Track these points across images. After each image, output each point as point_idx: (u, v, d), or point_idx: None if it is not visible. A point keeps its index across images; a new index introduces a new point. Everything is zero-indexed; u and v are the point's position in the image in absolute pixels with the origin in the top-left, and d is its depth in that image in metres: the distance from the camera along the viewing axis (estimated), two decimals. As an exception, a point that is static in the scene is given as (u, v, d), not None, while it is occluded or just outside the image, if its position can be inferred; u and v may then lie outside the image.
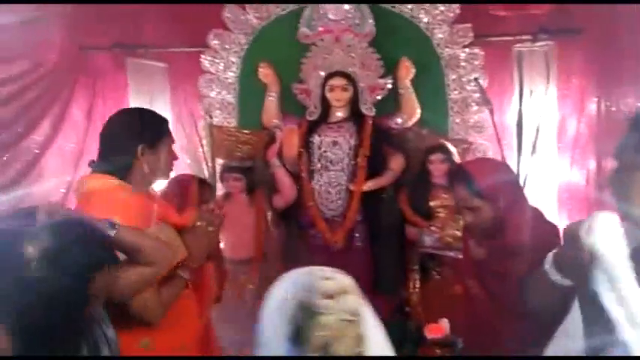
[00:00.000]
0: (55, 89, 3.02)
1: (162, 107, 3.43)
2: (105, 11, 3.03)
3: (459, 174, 1.60)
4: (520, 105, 2.78)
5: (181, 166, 3.36)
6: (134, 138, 1.52)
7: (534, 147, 2.74)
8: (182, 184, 2.18)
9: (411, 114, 3.00)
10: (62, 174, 2.78)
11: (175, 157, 1.65)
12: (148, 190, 1.63)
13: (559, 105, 3.12)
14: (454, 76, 3.10)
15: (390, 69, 3.07)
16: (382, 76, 3.08)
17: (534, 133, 2.78)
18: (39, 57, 2.85)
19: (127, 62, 3.34)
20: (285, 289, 0.96)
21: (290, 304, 0.93)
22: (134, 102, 3.30)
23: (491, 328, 1.67)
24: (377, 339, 0.97)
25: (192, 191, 2.17)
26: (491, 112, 2.73)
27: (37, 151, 2.88)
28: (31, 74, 2.83)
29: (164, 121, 1.62)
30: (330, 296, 0.93)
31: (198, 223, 1.65)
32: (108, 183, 1.48)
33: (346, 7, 3.05)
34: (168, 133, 1.61)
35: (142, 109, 1.76)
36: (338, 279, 0.97)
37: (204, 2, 3.14)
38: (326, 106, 2.97)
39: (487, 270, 1.86)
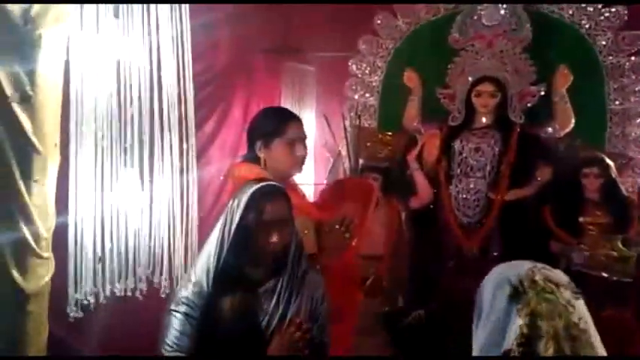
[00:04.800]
0: (222, 89, 3.38)
1: (309, 108, 3.67)
2: (264, 16, 3.32)
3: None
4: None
5: (322, 164, 3.59)
6: (254, 135, 1.75)
7: None
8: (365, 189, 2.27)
9: (564, 124, 2.86)
10: (223, 163, 3.10)
11: (298, 155, 1.72)
12: (289, 182, 1.79)
13: None
14: (616, 86, 2.89)
15: (544, 76, 2.95)
16: (534, 83, 2.97)
17: None
18: (211, 59, 3.22)
19: (280, 65, 3.63)
20: (504, 269, 1.06)
21: (507, 278, 1.01)
22: (284, 102, 3.57)
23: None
24: (595, 343, 0.98)
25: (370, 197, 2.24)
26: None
27: (204, 143, 3.27)
28: (204, 75, 3.21)
29: (280, 122, 1.73)
30: (555, 284, 0.99)
31: (337, 227, 1.76)
32: (252, 170, 1.66)
33: (502, 12, 3.01)
34: (283, 132, 1.70)
35: (267, 109, 1.93)
36: (555, 272, 1.03)
37: (362, 2, 3.27)
38: (470, 112, 2.94)
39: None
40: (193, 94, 3.07)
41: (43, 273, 1.71)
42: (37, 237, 1.67)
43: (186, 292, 1.33)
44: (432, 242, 2.91)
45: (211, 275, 1.32)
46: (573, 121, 2.85)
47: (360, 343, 2.33)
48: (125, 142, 1.94)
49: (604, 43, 2.93)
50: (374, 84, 3.40)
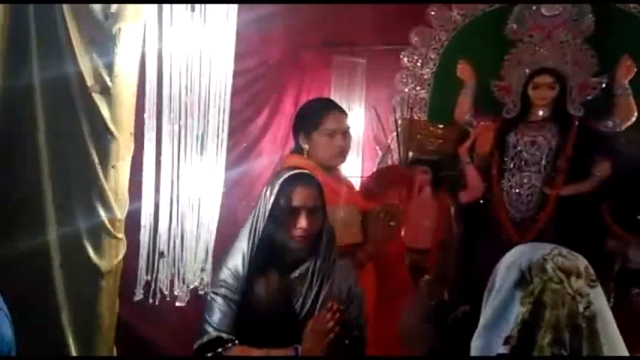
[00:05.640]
0: (274, 83, 3.45)
1: (359, 101, 3.68)
2: (316, 11, 3.35)
3: None
4: None
5: (371, 156, 3.59)
6: (297, 127, 1.82)
7: None
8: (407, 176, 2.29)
9: (626, 117, 2.73)
10: (274, 155, 3.17)
11: (338, 146, 1.76)
12: (336, 174, 1.81)
13: None
14: (684, 78, 2.73)
15: (606, 67, 2.83)
16: (595, 75, 2.86)
17: None
18: (265, 54, 3.30)
19: (331, 59, 3.66)
20: (520, 251, 1.04)
21: (518, 263, 1.01)
22: (334, 95, 3.58)
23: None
24: (611, 336, 0.97)
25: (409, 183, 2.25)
26: None
27: (256, 136, 3.35)
28: (258, 69, 3.29)
29: (319, 113, 1.77)
30: (566, 273, 0.98)
31: (382, 216, 1.78)
32: (297, 161, 1.71)
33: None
34: (322, 123, 1.75)
35: (309, 101, 1.96)
36: (572, 258, 1.01)
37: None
38: (526, 105, 2.86)
39: None
40: (248, 86, 3.18)
41: (117, 253, 1.83)
42: (112, 219, 1.79)
43: (223, 275, 1.39)
44: (482, 238, 2.85)
45: (246, 260, 1.38)
46: (636, 114, 2.72)
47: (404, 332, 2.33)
48: (195, 132, 2.03)
49: (672, 33, 2.78)
50: (425, 76, 3.36)
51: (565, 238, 2.61)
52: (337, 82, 3.67)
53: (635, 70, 2.74)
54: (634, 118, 2.74)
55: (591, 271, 1.01)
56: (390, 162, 3.24)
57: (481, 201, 2.90)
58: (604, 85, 2.82)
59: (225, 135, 2.20)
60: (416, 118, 3.30)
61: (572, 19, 2.90)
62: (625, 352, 1.00)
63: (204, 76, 2.10)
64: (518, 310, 0.98)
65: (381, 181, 2.10)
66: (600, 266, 2.48)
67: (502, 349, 0.97)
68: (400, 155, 3.10)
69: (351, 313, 1.44)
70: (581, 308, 0.96)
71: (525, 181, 2.77)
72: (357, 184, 2.97)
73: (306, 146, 1.78)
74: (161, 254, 1.93)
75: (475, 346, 1.04)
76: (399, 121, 3.21)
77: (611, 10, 2.90)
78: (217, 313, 1.36)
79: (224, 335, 1.34)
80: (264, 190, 1.41)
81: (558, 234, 2.66)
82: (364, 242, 1.77)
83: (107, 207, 1.76)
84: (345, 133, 1.81)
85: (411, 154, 3.12)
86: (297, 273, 1.40)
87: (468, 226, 2.95)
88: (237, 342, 1.35)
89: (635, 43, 2.83)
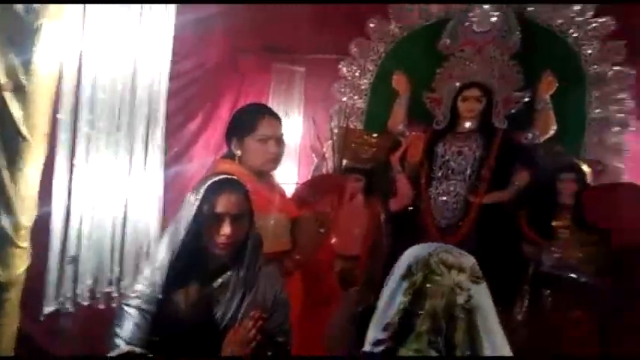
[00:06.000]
0: (210, 87, 3.42)
1: (297, 109, 3.71)
2: (255, 15, 3.36)
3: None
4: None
5: (306, 164, 3.62)
6: (229, 132, 1.80)
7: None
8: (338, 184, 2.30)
9: (545, 130, 2.89)
10: (207, 160, 3.13)
11: (271, 152, 1.75)
12: (269, 180, 1.81)
13: None
14: (597, 94, 2.92)
15: (530, 83, 2.98)
16: (519, 90, 3.00)
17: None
18: (202, 56, 3.26)
19: (270, 66, 3.67)
20: (413, 249, 1.11)
21: (407, 260, 1.08)
22: (272, 103, 3.58)
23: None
24: (492, 331, 1.02)
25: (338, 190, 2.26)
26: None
27: (189, 140, 3.31)
28: (193, 72, 3.25)
29: (252, 119, 1.76)
30: (447, 267, 1.04)
31: (311, 223, 1.79)
32: (231, 167, 1.70)
33: (493, 19, 3.04)
34: (255, 129, 1.74)
35: (243, 106, 1.95)
36: (458, 256, 1.08)
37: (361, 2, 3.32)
38: (455, 116, 2.97)
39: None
40: (182, 90, 3.14)
41: (20, 263, 1.74)
42: (16, 226, 1.70)
43: (139, 285, 1.34)
44: (409, 244, 2.90)
45: (165, 268, 1.33)
46: (554, 127, 2.88)
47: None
48: (112, 134, 1.97)
49: (590, 52, 2.96)
50: (363, 87, 3.43)
51: (486, 243, 2.73)
52: (276, 88, 3.69)
53: (556, 85, 2.89)
54: (552, 131, 2.89)
55: (477, 269, 1.07)
56: (325, 170, 3.27)
57: (410, 208, 2.97)
58: (527, 100, 2.97)
59: (157, 139, 2.17)
60: (352, 127, 3.36)
61: (501, 35, 3.04)
62: (507, 349, 1.05)
63: (134, 77, 2.08)
64: (400, 300, 1.03)
65: (313, 188, 2.12)
66: (517, 269, 2.62)
67: (381, 335, 1.01)
68: (335, 163, 3.14)
69: (275, 321, 1.41)
70: (460, 300, 1.01)
71: (451, 189, 2.86)
72: (292, 191, 3.00)
73: (238, 152, 1.76)
74: (72, 259, 1.87)
75: (369, 336, 1.08)
76: (335, 130, 3.26)
77: (536, 28, 3.06)
78: (130, 326, 1.31)
79: (136, 349, 1.29)
80: (188, 196, 1.37)
81: (480, 239, 2.76)
82: (293, 249, 1.78)
83: (12, 214, 1.68)
84: (279, 140, 1.80)
85: (345, 162, 3.16)
86: (219, 281, 1.36)
87: (397, 232, 3.01)
88: (150, 356, 1.30)
89: (557, 60, 2.99)
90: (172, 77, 3.10)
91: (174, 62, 3.09)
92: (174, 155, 3.16)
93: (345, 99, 3.43)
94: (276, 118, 1.84)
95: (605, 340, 2.15)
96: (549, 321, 2.36)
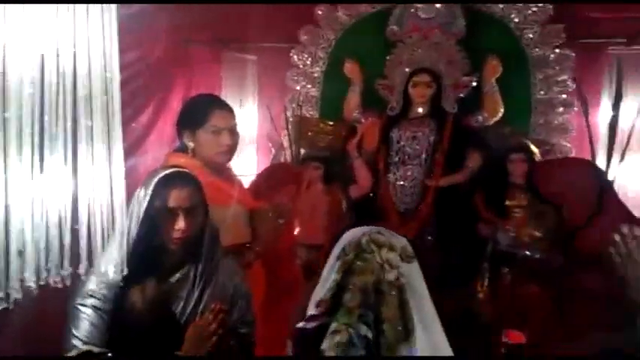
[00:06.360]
0: (158, 79, 3.30)
1: (251, 98, 3.67)
2: (204, 7, 3.27)
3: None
4: (616, 109, 2.68)
5: (265, 154, 3.60)
6: (180, 124, 1.77)
7: (623, 154, 2.64)
8: (295, 173, 2.29)
9: (493, 113, 3.00)
10: (161, 153, 3.04)
11: (224, 144, 1.72)
12: (226, 172, 1.79)
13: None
14: (541, 77, 3.06)
15: (476, 67, 3.08)
16: (467, 74, 3.09)
17: (624, 139, 2.68)
18: (147, 48, 3.15)
19: (222, 56, 3.60)
20: (350, 232, 1.14)
21: (344, 241, 1.11)
22: (225, 92, 3.53)
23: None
24: (419, 305, 1.06)
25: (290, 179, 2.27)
26: (585, 113, 2.67)
27: (140, 134, 3.19)
28: (139, 64, 3.13)
29: (204, 110, 1.73)
30: (378, 245, 1.08)
31: (270, 214, 1.79)
32: (183, 160, 1.67)
33: (437, 6, 3.10)
34: (207, 120, 1.71)
35: (193, 97, 1.90)
36: (389, 236, 1.11)
37: (296, 2, 3.31)
38: (407, 102, 3.03)
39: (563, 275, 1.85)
40: (126, 82, 3.01)
41: None
42: None
43: (92, 285, 1.31)
44: (371, 230, 2.96)
45: (119, 266, 1.27)
46: (502, 110, 3.00)
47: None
48: (49, 129, 1.88)
49: (531, 36, 3.09)
50: (315, 74, 3.43)
51: (444, 225, 2.84)
52: (228, 78, 3.62)
53: (501, 69, 3.00)
54: (500, 114, 3.01)
55: (409, 249, 1.12)
56: (283, 159, 3.27)
57: (370, 194, 3.02)
58: (474, 84, 3.07)
59: (105, 133, 2.08)
60: (307, 115, 3.36)
61: (446, 21, 3.10)
62: (438, 326, 1.09)
63: (79, 73, 1.97)
64: (332, 279, 1.08)
65: (270, 179, 2.11)
66: (476, 249, 2.73)
67: (314, 311, 1.05)
68: (292, 152, 3.14)
69: (237, 312, 1.42)
70: (390, 277, 1.06)
71: (409, 174, 2.93)
72: (250, 182, 2.98)
73: (191, 144, 1.73)
74: (19, 253, 1.78)
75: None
76: (291, 119, 3.25)
77: (480, 14, 3.16)
78: (86, 325, 1.27)
79: (94, 349, 1.26)
80: (138, 191, 1.33)
81: (439, 222, 2.86)
82: (252, 241, 1.77)
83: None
84: (232, 131, 1.77)
85: (303, 150, 3.17)
86: (176, 277, 1.35)
87: (359, 219, 3.06)
88: (110, 354, 1.28)
89: (501, 44, 3.10)
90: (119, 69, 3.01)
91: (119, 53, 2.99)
92: (126, 149, 3.04)
93: (298, 87, 3.42)
94: (228, 108, 1.81)
95: (559, 311, 2.29)
96: (509, 297, 2.49)
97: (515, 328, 1.98)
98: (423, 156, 2.92)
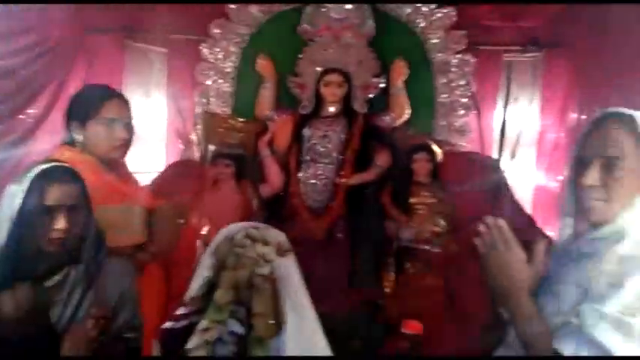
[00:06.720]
0: (54, 66, 3.06)
1: (159, 92, 3.53)
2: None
3: None
4: (504, 112, 2.90)
5: (174, 150, 3.47)
6: (68, 115, 1.65)
7: (514, 152, 2.86)
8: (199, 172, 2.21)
9: (400, 114, 3.11)
10: (53, 145, 2.82)
11: (118, 138, 1.64)
12: (118, 167, 1.70)
13: (542, 114, 3.25)
14: (444, 81, 3.21)
15: (385, 69, 3.17)
16: (376, 76, 3.17)
17: (515, 138, 2.90)
18: (44, 32, 2.90)
19: (126, 45, 3.42)
20: (226, 229, 1.15)
21: (218, 238, 1.12)
22: (129, 86, 3.37)
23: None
24: (293, 298, 1.09)
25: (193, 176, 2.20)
26: (479, 116, 2.85)
27: (32, 124, 2.94)
28: (34, 49, 2.89)
29: (95, 101, 1.63)
30: (252, 240, 1.10)
31: (169, 213, 1.72)
32: (70, 154, 1.57)
33: (348, 7, 3.15)
34: (98, 112, 1.61)
35: (84, 87, 1.78)
36: (264, 231, 1.13)
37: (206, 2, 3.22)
38: (319, 101, 3.06)
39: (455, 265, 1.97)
40: (19, 69, 2.78)
41: None
42: None
43: None
44: (281, 228, 2.96)
45: None
46: (408, 111, 3.12)
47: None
48: None
49: (435, 41, 3.24)
50: (227, 70, 3.35)
51: (355, 222, 2.91)
52: (134, 70, 3.45)
53: (408, 72, 3.12)
54: (407, 115, 3.13)
55: (286, 244, 1.15)
56: (192, 156, 3.17)
57: (282, 193, 3.02)
58: (383, 85, 3.16)
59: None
60: (220, 111, 3.29)
61: (357, 23, 3.17)
62: (312, 318, 1.11)
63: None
64: (204, 275, 1.08)
65: (171, 177, 2.03)
66: (383, 244, 2.82)
67: (182, 310, 1.04)
68: (201, 149, 3.06)
69: (123, 317, 1.34)
70: (263, 271, 1.08)
71: (320, 172, 2.97)
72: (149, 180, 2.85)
73: (79, 137, 1.61)
74: None
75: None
76: (200, 115, 3.16)
77: (388, 18, 3.25)
78: None
79: None
80: (9, 187, 1.21)
81: (350, 219, 2.92)
82: (148, 242, 1.70)
83: None
84: (127, 124, 1.67)
85: (213, 147, 3.09)
86: (54, 280, 1.25)
87: (271, 218, 3.04)
88: None
89: (408, 48, 3.22)
90: (9, 54, 2.75)
91: (9, 38, 2.73)
92: (16, 140, 2.80)
93: (209, 82, 3.32)
94: (122, 99, 1.70)
95: (451, 301, 2.44)
96: (411, 290, 2.60)
97: (416, 319, 2.08)
98: (334, 155, 2.97)
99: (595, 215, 1.05)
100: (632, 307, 0.92)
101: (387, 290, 2.67)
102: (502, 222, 1.05)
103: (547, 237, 1.70)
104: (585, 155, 1.06)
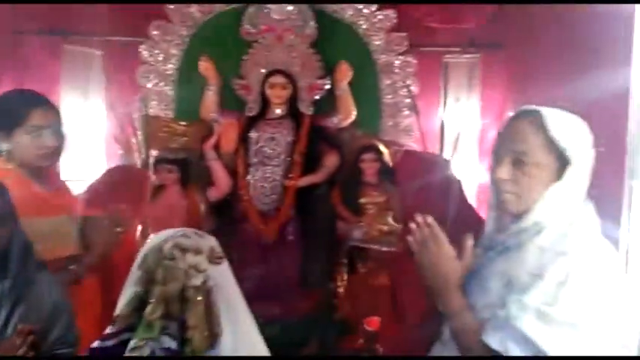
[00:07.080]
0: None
1: (97, 96, 3.38)
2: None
3: None
4: (443, 112, 2.99)
5: (114, 156, 3.33)
6: None
7: (455, 151, 2.95)
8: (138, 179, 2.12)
9: (346, 115, 3.12)
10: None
11: (45, 146, 1.58)
12: (48, 177, 1.63)
13: (481, 113, 3.37)
14: (388, 82, 3.26)
15: (330, 71, 3.17)
16: (321, 77, 3.17)
17: (456, 137, 2.99)
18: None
19: (61, 49, 3.26)
20: (153, 238, 1.08)
21: (146, 248, 1.05)
22: (66, 90, 3.23)
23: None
24: (229, 306, 1.05)
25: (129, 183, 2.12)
26: (418, 117, 2.92)
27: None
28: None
29: (21, 108, 1.57)
30: (182, 250, 1.03)
31: (105, 222, 1.66)
32: None
33: (289, 8, 3.12)
34: (25, 119, 1.55)
35: (8, 92, 1.70)
36: (195, 239, 1.06)
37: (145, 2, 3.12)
38: (265, 103, 3.03)
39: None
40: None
41: None
42: None
43: None
44: (231, 232, 2.92)
45: None
46: (354, 112, 3.14)
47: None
48: None
49: (378, 42, 3.27)
50: (168, 72, 3.25)
51: (306, 224, 2.90)
52: (69, 74, 3.30)
53: (351, 73, 3.13)
54: (354, 116, 3.15)
55: (218, 250, 1.09)
56: (133, 161, 3.05)
57: (229, 196, 2.96)
58: (328, 87, 3.17)
59: None
60: (162, 115, 3.18)
61: (298, 24, 3.15)
62: (250, 325, 1.09)
63: None
64: (132, 290, 1.02)
65: (109, 184, 1.95)
66: (335, 245, 2.83)
67: (109, 329, 1.00)
68: (142, 155, 2.95)
69: (56, 332, 1.29)
70: (196, 282, 1.02)
71: (268, 175, 2.93)
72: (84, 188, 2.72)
73: (4, 146, 1.53)
74: None
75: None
76: (140, 119, 3.05)
77: (331, 19, 3.25)
78: None
79: None
80: None
81: (301, 221, 2.92)
82: (82, 253, 1.62)
83: None
84: (57, 132, 1.60)
85: (155, 152, 3.00)
86: None
87: (219, 222, 2.99)
88: None
89: (351, 49, 3.23)
90: None
91: None
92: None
93: (150, 85, 3.21)
94: (50, 106, 1.63)
95: (398, 299, 2.48)
96: (363, 289, 2.63)
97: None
98: (282, 157, 2.94)
99: (508, 208, 1.09)
100: (552, 297, 0.95)
101: (340, 290, 2.68)
102: (431, 219, 1.08)
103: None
104: (499, 151, 1.10)
